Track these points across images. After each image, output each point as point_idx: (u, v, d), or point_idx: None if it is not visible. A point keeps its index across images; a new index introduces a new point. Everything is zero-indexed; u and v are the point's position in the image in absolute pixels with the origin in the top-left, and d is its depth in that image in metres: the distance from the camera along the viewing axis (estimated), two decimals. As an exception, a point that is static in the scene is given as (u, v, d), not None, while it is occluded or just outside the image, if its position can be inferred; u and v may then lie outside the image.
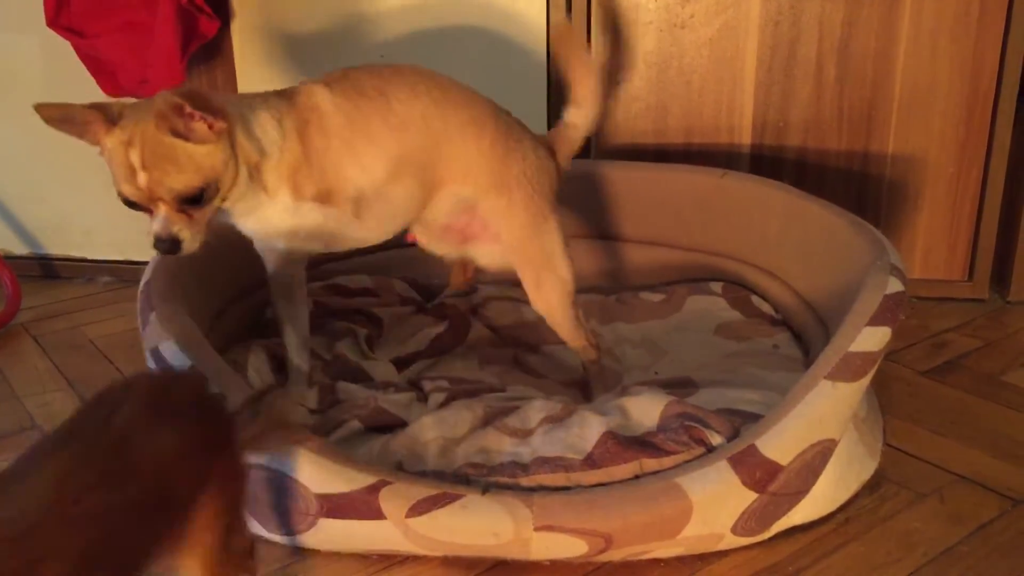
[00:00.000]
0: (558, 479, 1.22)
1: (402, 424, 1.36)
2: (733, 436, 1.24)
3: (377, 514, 1.14)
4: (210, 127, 1.18)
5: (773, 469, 1.17)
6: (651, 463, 1.22)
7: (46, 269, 2.24)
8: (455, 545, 1.16)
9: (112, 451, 0.82)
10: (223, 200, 1.25)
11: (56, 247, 2.25)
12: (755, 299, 1.76)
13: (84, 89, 1.92)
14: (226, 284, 1.61)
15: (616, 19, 1.93)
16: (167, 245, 1.20)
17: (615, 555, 1.17)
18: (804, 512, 1.24)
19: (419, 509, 1.13)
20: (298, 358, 1.52)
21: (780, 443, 1.18)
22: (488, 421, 1.35)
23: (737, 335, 1.66)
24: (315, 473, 1.16)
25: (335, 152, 1.33)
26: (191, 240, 1.21)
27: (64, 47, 1.91)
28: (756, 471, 1.16)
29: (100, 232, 2.21)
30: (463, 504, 1.13)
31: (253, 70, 2.00)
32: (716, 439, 1.24)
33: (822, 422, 1.21)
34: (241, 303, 1.66)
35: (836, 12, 1.87)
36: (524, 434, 1.32)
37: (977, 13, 1.82)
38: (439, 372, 1.61)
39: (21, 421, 1.59)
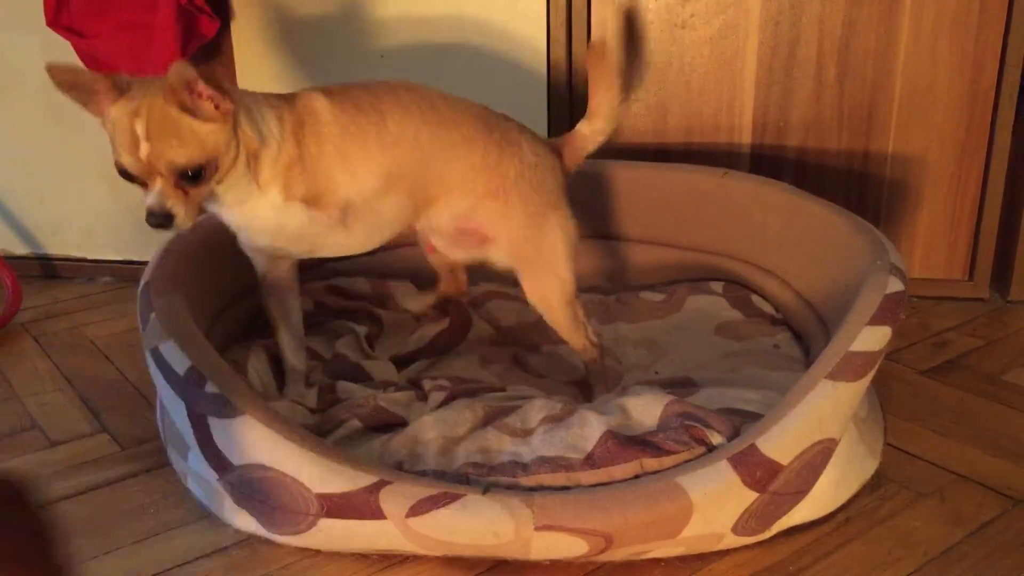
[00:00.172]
0: (558, 479, 1.21)
1: (402, 423, 1.36)
2: (734, 436, 1.24)
3: (377, 514, 1.14)
4: (217, 107, 1.19)
5: (774, 469, 1.17)
6: (651, 463, 1.22)
7: (46, 269, 2.24)
8: (455, 545, 1.16)
9: None
10: (219, 183, 1.25)
11: (56, 247, 2.24)
12: (755, 299, 1.76)
13: (84, 89, 1.92)
14: (226, 284, 1.61)
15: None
16: (160, 219, 1.20)
17: (615, 555, 1.17)
18: (805, 512, 1.24)
19: (419, 509, 1.13)
20: (293, 358, 1.52)
21: (781, 443, 1.18)
22: (488, 421, 1.35)
23: (737, 335, 1.66)
24: (315, 473, 1.16)
25: (328, 159, 1.34)
26: (184, 217, 1.21)
27: (64, 47, 1.91)
28: (757, 471, 1.16)
29: (100, 232, 2.21)
30: (463, 504, 1.13)
31: (253, 70, 2.00)
32: (717, 439, 1.24)
33: (823, 422, 1.21)
34: (241, 303, 1.66)
35: (836, 12, 1.87)
36: (524, 434, 1.32)
37: (977, 13, 1.82)
38: (439, 371, 1.61)
39: (21, 421, 1.59)
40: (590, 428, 1.28)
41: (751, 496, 1.16)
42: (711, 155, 1.98)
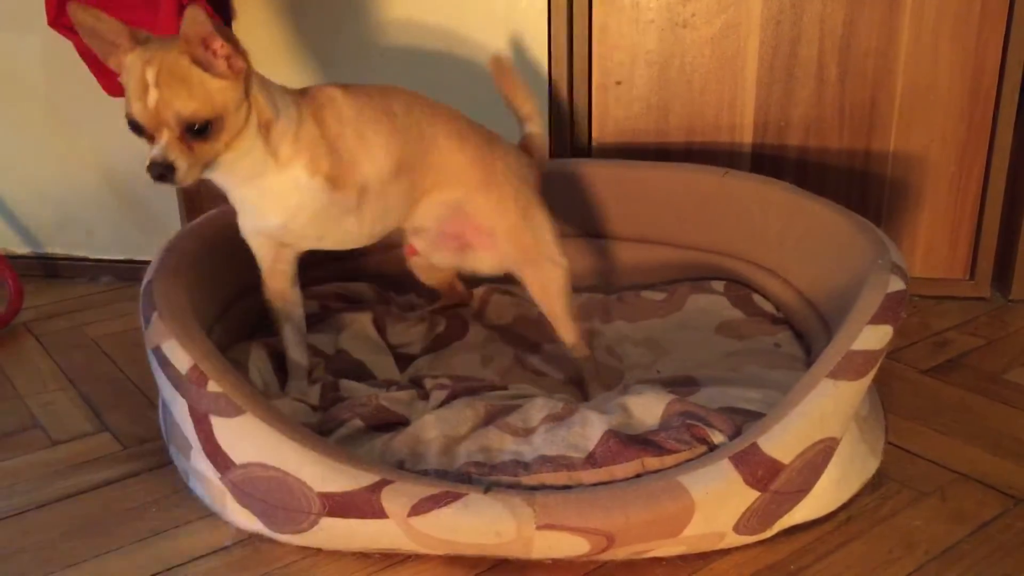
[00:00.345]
0: (560, 478, 1.22)
1: (404, 422, 1.36)
2: (735, 435, 1.24)
3: (379, 513, 1.14)
4: (230, 65, 1.20)
5: (775, 468, 1.17)
6: (653, 462, 1.22)
7: (48, 268, 2.25)
8: (457, 544, 1.16)
9: None
10: (227, 146, 1.25)
11: (58, 246, 2.25)
12: (757, 298, 1.76)
13: (86, 89, 1.93)
14: (228, 283, 1.61)
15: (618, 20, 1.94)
16: (160, 170, 1.19)
17: (617, 554, 1.17)
18: (806, 511, 1.24)
19: (421, 508, 1.13)
20: (296, 353, 1.52)
21: (782, 442, 1.18)
22: (490, 420, 1.35)
23: (739, 334, 1.67)
24: (317, 472, 1.16)
25: (349, 139, 1.36)
26: (186, 171, 1.20)
27: (66, 46, 1.91)
28: (758, 470, 1.16)
29: (102, 231, 2.21)
30: (465, 503, 1.13)
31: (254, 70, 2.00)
32: (718, 438, 1.24)
33: (824, 421, 1.21)
34: (243, 302, 1.66)
35: (837, 11, 1.87)
36: (526, 433, 1.32)
37: (978, 12, 1.82)
38: (440, 369, 1.61)
39: (23, 421, 1.59)
40: (591, 427, 1.28)
41: (752, 495, 1.17)
42: (712, 154, 1.98)
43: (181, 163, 1.20)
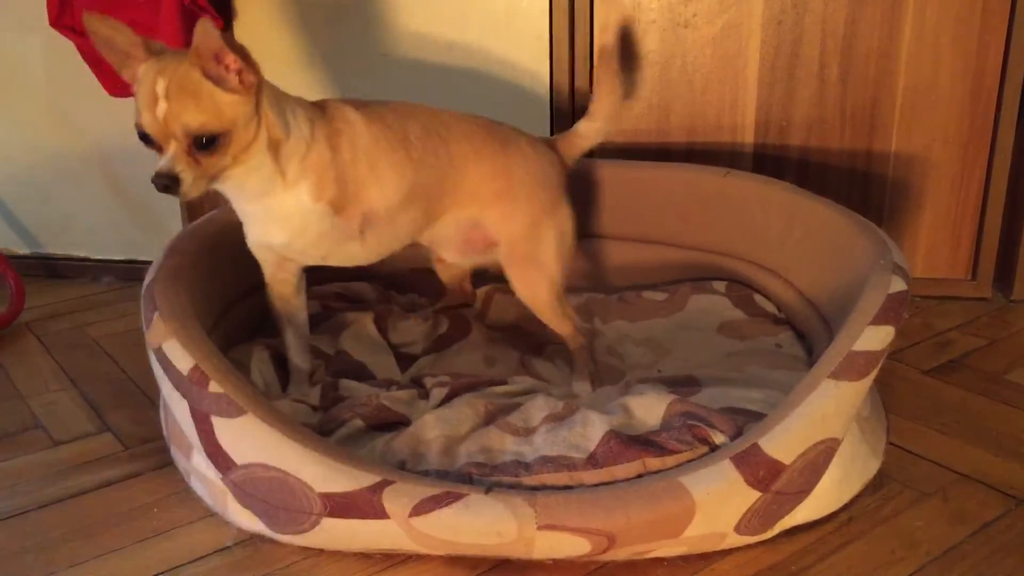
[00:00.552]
0: (561, 478, 1.22)
1: (404, 421, 1.36)
2: (736, 435, 1.24)
3: (380, 513, 1.14)
4: (241, 80, 1.20)
5: (776, 468, 1.17)
6: (654, 462, 1.22)
7: (49, 269, 2.25)
8: (458, 544, 1.16)
9: None
10: (234, 160, 1.25)
11: (59, 247, 2.25)
12: (758, 298, 1.75)
13: (87, 89, 1.93)
14: (229, 284, 1.61)
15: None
16: (165, 181, 1.20)
17: (618, 554, 1.17)
18: (807, 511, 1.24)
19: (422, 508, 1.13)
20: (298, 358, 1.52)
21: (783, 442, 1.18)
22: (490, 419, 1.35)
23: (740, 334, 1.66)
24: (318, 472, 1.16)
25: (361, 169, 1.36)
26: (191, 184, 1.21)
27: (67, 47, 1.91)
28: (759, 470, 1.16)
29: (103, 232, 2.21)
30: (466, 503, 1.13)
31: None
32: (719, 438, 1.24)
33: (825, 421, 1.21)
34: (244, 303, 1.66)
35: (839, 11, 1.87)
36: (526, 433, 1.32)
37: (980, 12, 1.82)
38: (442, 369, 1.61)
39: (25, 421, 1.59)
40: (592, 427, 1.28)
41: (754, 495, 1.16)
42: (713, 154, 1.98)
43: (187, 175, 1.20)
